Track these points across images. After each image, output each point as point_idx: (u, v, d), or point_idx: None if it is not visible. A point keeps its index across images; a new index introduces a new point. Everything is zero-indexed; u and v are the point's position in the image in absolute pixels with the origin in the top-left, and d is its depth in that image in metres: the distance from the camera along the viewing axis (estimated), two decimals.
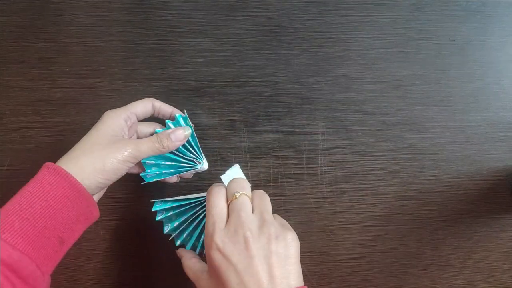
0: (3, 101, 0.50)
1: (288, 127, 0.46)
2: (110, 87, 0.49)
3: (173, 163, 0.42)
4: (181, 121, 0.43)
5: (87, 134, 0.39)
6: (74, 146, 0.38)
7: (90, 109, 0.49)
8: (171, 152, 0.42)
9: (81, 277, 0.48)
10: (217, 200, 0.35)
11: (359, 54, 0.46)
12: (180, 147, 0.42)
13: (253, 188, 0.46)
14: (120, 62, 0.49)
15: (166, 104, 0.43)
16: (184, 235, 0.42)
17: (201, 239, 0.41)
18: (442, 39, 0.45)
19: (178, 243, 0.43)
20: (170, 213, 0.42)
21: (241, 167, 0.47)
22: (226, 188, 0.36)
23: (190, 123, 0.43)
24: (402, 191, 0.45)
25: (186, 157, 0.42)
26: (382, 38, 0.46)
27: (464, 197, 0.45)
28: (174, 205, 0.41)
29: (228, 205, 0.35)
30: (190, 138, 0.42)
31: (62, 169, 0.35)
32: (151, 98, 0.43)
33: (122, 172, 0.38)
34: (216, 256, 0.32)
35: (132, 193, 0.48)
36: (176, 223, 0.42)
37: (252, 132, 0.47)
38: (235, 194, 0.35)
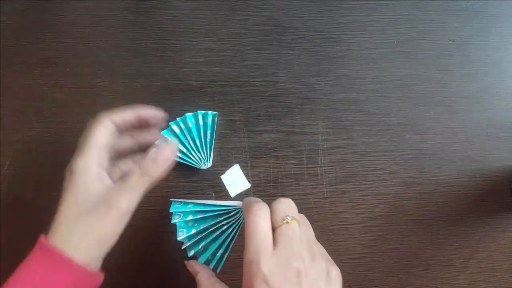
0: (3, 101, 0.50)
1: (288, 127, 0.46)
2: (111, 87, 0.49)
3: (184, 151, 0.42)
4: (175, 128, 0.41)
5: (61, 203, 0.33)
6: (55, 218, 0.33)
7: (91, 109, 0.49)
8: (187, 141, 0.41)
9: None
10: (261, 222, 0.30)
11: (360, 54, 0.46)
12: (197, 140, 0.40)
13: (254, 188, 0.46)
14: (121, 62, 0.49)
15: (128, 111, 0.36)
16: (200, 246, 0.38)
17: (218, 254, 0.38)
18: (444, 39, 0.45)
19: (190, 253, 0.39)
20: (189, 218, 0.38)
21: (241, 167, 0.47)
22: (271, 208, 0.32)
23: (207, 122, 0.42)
24: (402, 191, 0.45)
25: (195, 154, 0.43)
26: (383, 38, 0.46)
27: (465, 197, 0.45)
28: (195, 209, 0.37)
29: (274, 229, 0.30)
30: (208, 138, 0.41)
31: (68, 259, 0.31)
32: (108, 115, 0.35)
33: (123, 225, 0.33)
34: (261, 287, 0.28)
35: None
36: (193, 230, 0.37)
37: (253, 132, 0.47)
38: (287, 218, 0.30)
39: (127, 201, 0.31)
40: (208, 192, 0.47)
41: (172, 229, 0.39)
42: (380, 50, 0.46)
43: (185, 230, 0.37)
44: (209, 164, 0.43)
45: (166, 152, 0.33)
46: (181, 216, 0.37)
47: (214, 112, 0.45)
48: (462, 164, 0.45)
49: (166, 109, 0.48)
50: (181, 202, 0.37)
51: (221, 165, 0.47)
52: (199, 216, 0.37)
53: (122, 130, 0.36)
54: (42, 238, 0.32)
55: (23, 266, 0.31)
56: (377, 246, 0.45)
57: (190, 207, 0.37)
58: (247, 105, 0.47)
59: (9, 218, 0.49)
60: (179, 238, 0.38)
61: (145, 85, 0.48)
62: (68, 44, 0.49)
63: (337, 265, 0.46)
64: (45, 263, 0.30)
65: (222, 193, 0.47)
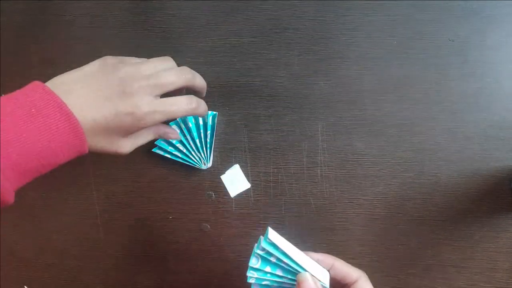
0: None
1: (288, 127, 0.46)
2: None
3: (184, 151, 0.44)
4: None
5: (111, 76, 0.35)
6: (76, 78, 0.35)
7: None
8: (187, 141, 0.43)
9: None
10: None
11: (359, 54, 0.46)
12: (197, 140, 0.41)
13: (254, 188, 0.46)
14: None
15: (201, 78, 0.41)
16: None
17: None
18: (442, 39, 0.46)
19: None
20: (273, 259, 0.34)
21: (241, 167, 0.47)
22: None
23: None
24: (402, 191, 0.45)
25: (195, 154, 0.43)
26: (382, 39, 0.46)
27: (465, 197, 0.45)
28: (283, 258, 0.33)
29: None
30: (208, 138, 0.43)
31: (74, 117, 0.31)
32: (188, 70, 0.39)
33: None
34: None
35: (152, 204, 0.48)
36: (267, 268, 0.34)
37: (252, 132, 0.47)
38: None
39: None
40: (208, 192, 0.47)
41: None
42: (379, 50, 0.46)
43: (260, 260, 0.34)
44: (209, 164, 0.43)
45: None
46: (266, 252, 0.34)
47: (214, 112, 0.45)
48: (462, 164, 0.45)
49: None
50: (273, 244, 0.33)
51: (221, 165, 0.47)
52: (281, 264, 0.34)
53: None
54: (51, 93, 0.32)
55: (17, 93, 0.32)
56: (377, 246, 0.45)
57: (279, 253, 0.33)
58: (247, 105, 0.47)
59: (9, 218, 0.49)
60: (251, 264, 0.34)
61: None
62: (68, 44, 0.49)
63: None
64: (60, 126, 0.31)
65: (222, 193, 0.47)
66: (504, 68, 0.45)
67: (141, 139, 0.38)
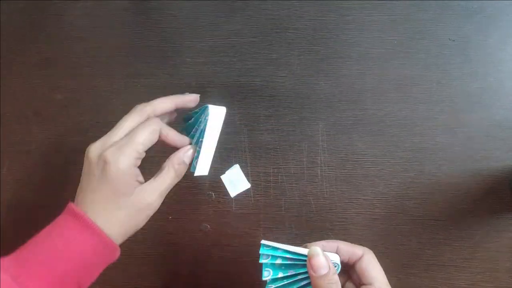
0: (3, 102, 0.50)
1: (288, 127, 0.46)
2: (111, 87, 0.49)
3: None
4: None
5: (98, 190, 0.33)
6: (86, 186, 0.34)
7: (90, 109, 0.49)
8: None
9: None
10: None
11: (360, 54, 0.46)
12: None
13: (254, 188, 0.46)
14: (121, 62, 0.49)
15: (176, 132, 0.36)
16: None
17: None
18: (443, 38, 0.45)
19: None
20: (277, 261, 0.35)
21: (241, 167, 0.47)
22: None
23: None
24: (402, 191, 0.45)
25: None
26: (383, 38, 0.46)
27: (465, 197, 0.45)
28: (286, 255, 0.34)
29: None
30: (201, 138, 0.37)
31: (94, 225, 0.32)
32: (157, 122, 0.35)
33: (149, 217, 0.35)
34: None
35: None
36: (280, 274, 0.35)
37: (253, 132, 0.47)
38: None
39: (161, 198, 0.34)
40: (208, 192, 0.47)
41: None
42: (380, 50, 0.46)
43: (271, 271, 0.35)
44: (200, 171, 0.37)
45: (191, 153, 0.36)
46: (270, 258, 0.35)
47: (206, 105, 0.37)
48: (462, 164, 0.45)
49: None
50: (270, 246, 0.35)
51: (221, 165, 0.47)
52: (288, 262, 0.35)
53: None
54: (71, 205, 0.34)
55: (50, 227, 0.34)
56: (377, 246, 0.45)
57: (279, 252, 0.34)
58: (247, 105, 0.47)
59: (9, 218, 0.49)
60: (264, 278, 0.35)
61: (145, 85, 0.48)
62: (67, 45, 0.49)
63: None
64: (71, 226, 0.32)
65: (222, 193, 0.47)
66: (505, 67, 0.45)
67: (160, 180, 0.35)
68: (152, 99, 0.48)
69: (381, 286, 0.33)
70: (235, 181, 0.46)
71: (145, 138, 0.33)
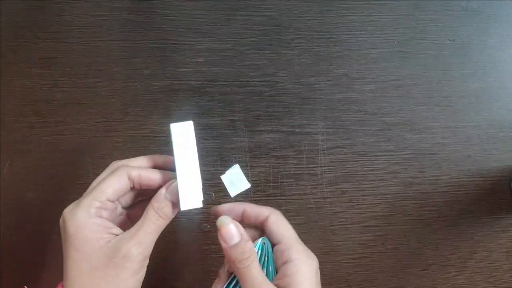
0: (3, 101, 0.50)
1: (288, 127, 0.46)
2: (111, 87, 0.49)
3: None
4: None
5: (67, 257, 0.29)
6: (66, 275, 0.29)
7: (90, 109, 0.49)
8: None
9: None
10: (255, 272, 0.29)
11: (360, 54, 0.46)
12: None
13: (254, 188, 0.46)
14: (121, 62, 0.49)
15: (149, 170, 0.31)
16: None
17: None
18: (443, 39, 0.45)
19: None
20: None
21: (241, 167, 0.47)
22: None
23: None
24: (402, 191, 0.45)
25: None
26: (383, 38, 0.46)
27: (465, 197, 0.45)
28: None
29: None
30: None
31: None
32: (124, 166, 0.31)
33: (140, 281, 0.30)
34: None
35: None
36: None
37: (252, 132, 0.47)
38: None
39: (144, 248, 0.29)
40: (208, 192, 0.47)
41: None
42: (379, 50, 0.46)
43: None
44: (185, 205, 0.31)
45: (173, 187, 0.30)
46: None
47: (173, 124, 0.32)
48: (462, 164, 0.45)
49: (165, 109, 0.48)
50: None
51: (221, 165, 0.47)
52: None
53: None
54: None
55: None
56: (377, 246, 0.45)
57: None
58: (247, 105, 0.47)
59: (9, 218, 0.49)
60: None
61: (145, 85, 0.48)
62: (67, 44, 0.49)
63: (336, 265, 0.46)
64: None
65: (222, 193, 0.47)
66: (505, 68, 0.45)
67: (140, 226, 0.30)
68: (151, 99, 0.49)
69: (289, 241, 0.31)
70: (235, 181, 0.46)
71: (107, 185, 0.30)
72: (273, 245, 0.32)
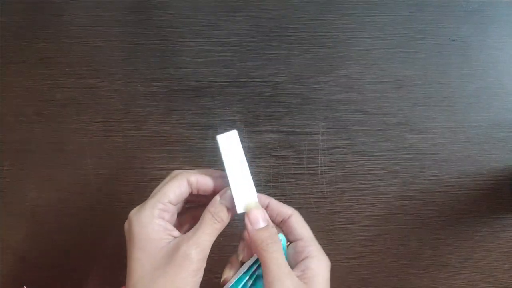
0: (3, 101, 0.50)
1: (288, 127, 0.46)
2: (111, 87, 0.49)
3: None
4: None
5: (131, 258, 0.30)
6: (130, 275, 0.30)
7: (90, 109, 0.49)
8: None
9: None
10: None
11: (360, 54, 0.46)
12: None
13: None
14: (121, 62, 0.49)
15: (205, 176, 0.33)
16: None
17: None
18: (443, 39, 0.45)
19: None
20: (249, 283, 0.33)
21: None
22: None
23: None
24: (402, 191, 0.45)
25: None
26: (383, 38, 0.46)
27: (465, 197, 0.45)
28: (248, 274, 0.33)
29: None
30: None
31: None
32: (183, 172, 0.33)
33: (198, 282, 0.31)
34: None
35: None
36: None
37: (252, 132, 0.47)
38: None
39: (202, 249, 0.30)
40: None
41: None
42: (379, 50, 0.46)
43: None
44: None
45: (228, 194, 0.31)
46: None
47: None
48: (462, 164, 0.45)
49: (165, 109, 0.48)
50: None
51: (221, 165, 0.47)
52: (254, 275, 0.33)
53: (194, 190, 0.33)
54: None
55: None
56: (377, 246, 0.45)
57: (243, 278, 0.33)
58: (247, 105, 0.47)
59: (9, 218, 0.49)
60: None
61: (145, 85, 0.48)
62: (67, 44, 0.49)
63: (337, 265, 0.46)
64: None
65: None
66: (505, 67, 0.45)
67: (198, 230, 0.30)
68: (151, 99, 0.49)
69: (309, 240, 0.32)
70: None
71: (168, 188, 0.31)
72: (289, 243, 0.33)
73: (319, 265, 0.31)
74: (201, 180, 0.33)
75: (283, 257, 0.30)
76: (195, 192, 0.33)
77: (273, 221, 0.33)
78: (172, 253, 0.29)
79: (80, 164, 0.48)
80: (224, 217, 0.31)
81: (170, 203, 0.31)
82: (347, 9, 0.46)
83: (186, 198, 0.33)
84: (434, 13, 0.46)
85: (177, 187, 0.32)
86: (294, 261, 0.32)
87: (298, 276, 0.30)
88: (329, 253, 0.46)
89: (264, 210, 0.32)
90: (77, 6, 0.49)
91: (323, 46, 0.47)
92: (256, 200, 0.32)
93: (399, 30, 0.46)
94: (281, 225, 0.34)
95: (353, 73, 0.46)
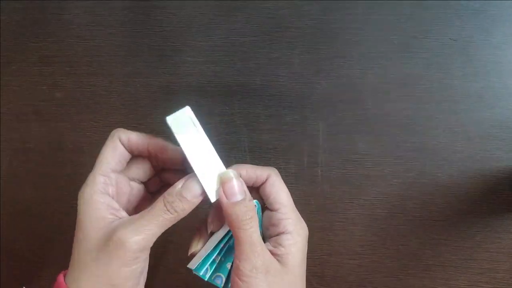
0: (3, 100, 0.50)
1: (288, 127, 0.46)
2: (110, 86, 0.48)
3: None
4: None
5: (74, 238, 0.28)
6: (72, 257, 0.28)
7: (90, 108, 0.49)
8: None
9: None
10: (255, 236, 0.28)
11: (361, 54, 0.46)
12: None
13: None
14: (120, 61, 0.48)
15: (140, 134, 0.29)
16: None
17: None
18: (445, 38, 0.45)
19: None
20: (217, 259, 0.32)
21: None
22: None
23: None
24: (403, 191, 0.45)
25: None
26: (385, 38, 0.46)
27: (466, 197, 0.44)
28: (217, 250, 0.31)
29: None
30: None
31: None
32: (117, 130, 0.29)
33: (136, 275, 0.27)
34: None
35: None
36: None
37: (253, 132, 0.46)
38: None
39: (142, 238, 0.26)
40: None
41: None
42: (381, 49, 0.46)
43: (222, 275, 0.31)
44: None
45: (194, 189, 0.28)
46: (209, 268, 0.31)
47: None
48: (463, 164, 0.44)
49: (165, 109, 0.48)
50: (199, 263, 0.30)
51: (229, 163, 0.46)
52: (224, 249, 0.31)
53: (135, 153, 0.30)
54: (60, 278, 0.28)
55: None
56: (377, 246, 0.45)
57: (211, 255, 0.31)
58: (247, 105, 0.47)
59: (9, 216, 0.49)
60: (221, 286, 0.31)
61: (145, 85, 0.48)
62: (67, 43, 0.49)
63: (337, 265, 0.46)
64: None
65: None
66: (507, 67, 0.44)
67: (145, 216, 0.27)
68: (151, 98, 0.48)
69: (286, 211, 0.30)
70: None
71: (104, 155, 0.28)
72: (265, 208, 0.31)
73: (296, 241, 0.29)
74: (134, 138, 0.29)
75: (258, 233, 0.28)
76: (133, 152, 0.29)
77: (250, 188, 0.30)
78: (107, 238, 0.26)
79: (79, 164, 0.48)
80: (179, 209, 0.27)
81: (112, 171, 0.28)
82: (348, 8, 0.46)
83: (146, 165, 0.30)
84: (436, 13, 0.45)
85: (112, 150, 0.28)
86: (268, 232, 0.30)
87: (271, 250, 0.29)
88: (329, 253, 0.47)
89: (242, 180, 0.28)
90: (77, 5, 0.49)
91: (324, 46, 0.46)
92: (233, 171, 0.28)
93: (401, 30, 0.46)
94: (258, 190, 0.31)
95: (355, 72, 0.46)
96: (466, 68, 0.45)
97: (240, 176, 0.29)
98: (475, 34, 0.45)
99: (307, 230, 0.31)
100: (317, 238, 0.46)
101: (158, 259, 0.48)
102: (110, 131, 0.48)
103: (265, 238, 0.31)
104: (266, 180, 0.31)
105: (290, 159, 0.46)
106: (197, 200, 0.28)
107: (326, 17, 0.46)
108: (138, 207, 0.32)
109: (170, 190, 0.28)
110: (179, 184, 0.28)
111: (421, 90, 0.45)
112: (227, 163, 0.47)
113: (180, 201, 0.27)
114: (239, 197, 0.27)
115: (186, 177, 0.28)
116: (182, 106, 0.47)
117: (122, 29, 0.49)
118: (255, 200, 0.31)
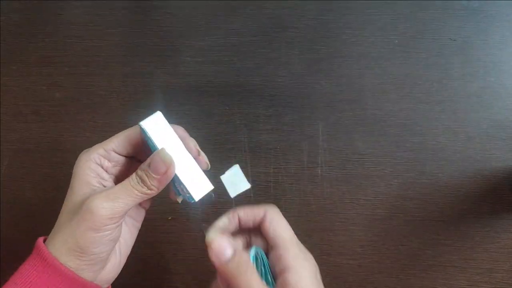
0: (2, 100, 0.49)
1: (288, 127, 0.46)
2: (110, 86, 0.48)
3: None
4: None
5: (65, 199, 0.30)
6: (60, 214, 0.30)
7: (89, 108, 0.49)
8: None
9: None
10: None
11: (361, 54, 0.46)
12: None
13: (254, 188, 0.46)
14: (120, 61, 0.48)
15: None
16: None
17: None
18: (444, 38, 0.45)
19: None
20: None
21: (241, 167, 0.46)
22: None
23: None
24: (403, 191, 0.45)
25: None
26: (384, 38, 0.46)
27: (466, 197, 0.44)
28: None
29: None
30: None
31: (54, 259, 0.28)
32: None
33: (105, 242, 0.28)
34: None
35: None
36: None
37: (252, 132, 0.46)
38: None
39: (110, 206, 0.27)
40: (208, 193, 0.47)
41: None
42: (380, 49, 0.46)
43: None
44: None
45: (159, 166, 0.28)
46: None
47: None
48: (463, 164, 0.44)
49: (165, 109, 0.48)
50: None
51: (221, 165, 0.46)
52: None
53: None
54: (39, 240, 0.30)
55: (20, 269, 0.30)
56: (377, 246, 0.45)
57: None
58: (247, 105, 0.47)
59: (8, 217, 0.49)
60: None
61: (144, 85, 0.48)
62: (66, 43, 0.49)
63: (337, 266, 0.46)
64: (37, 266, 0.28)
65: (222, 193, 0.46)
66: (506, 67, 0.44)
67: (118, 187, 0.29)
68: (150, 98, 0.48)
69: (286, 245, 0.29)
70: (235, 182, 0.46)
71: (116, 137, 0.30)
72: (269, 249, 0.31)
73: (301, 276, 0.28)
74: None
75: (258, 280, 0.28)
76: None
77: (251, 228, 0.31)
78: (82, 202, 0.28)
79: None
80: (148, 184, 0.28)
81: (114, 151, 0.30)
82: (348, 8, 0.46)
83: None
84: (435, 13, 0.45)
85: (125, 136, 0.30)
86: (276, 273, 0.30)
87: None
88: (329, 253, 0.46)
89: (226, 237, 0.29)
90: (76, 5, 0.49)
91: (323, 46, 0.46)
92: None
93: (400, 30, 0.46)
94: (260, 229, 0.32)
95: (354, 72, 0.46)
96: (465, 68, 0.45)
97: (239, 220, 0.31)
98: (473, 34, 0.45)
99: (314, 262, 0.30)
100: (317, 238, 0.46)
101: (158, 259, 0.48)
102: (109, 131, 0.48)
103: (275, 277, 0.30)
104: (264, 217, 0.31)
105: (290, 159, 0.46)
106: (163, 178, 0.29)
107: (325, 17, 0.46)
108: None
109: (141, 165, 0.29)
110: (148, 160, 0.29)
111: (420, 90, 0.45)
112: (227, 163, 0.47)
113: (147, 176, 0.28)
114: (228, 252, 0.28)
115: (153, 154, 0.29)
116: (182, 106, 0.47)
117: (121, 29, 0.49)
118: (254, 246, 0.31)
